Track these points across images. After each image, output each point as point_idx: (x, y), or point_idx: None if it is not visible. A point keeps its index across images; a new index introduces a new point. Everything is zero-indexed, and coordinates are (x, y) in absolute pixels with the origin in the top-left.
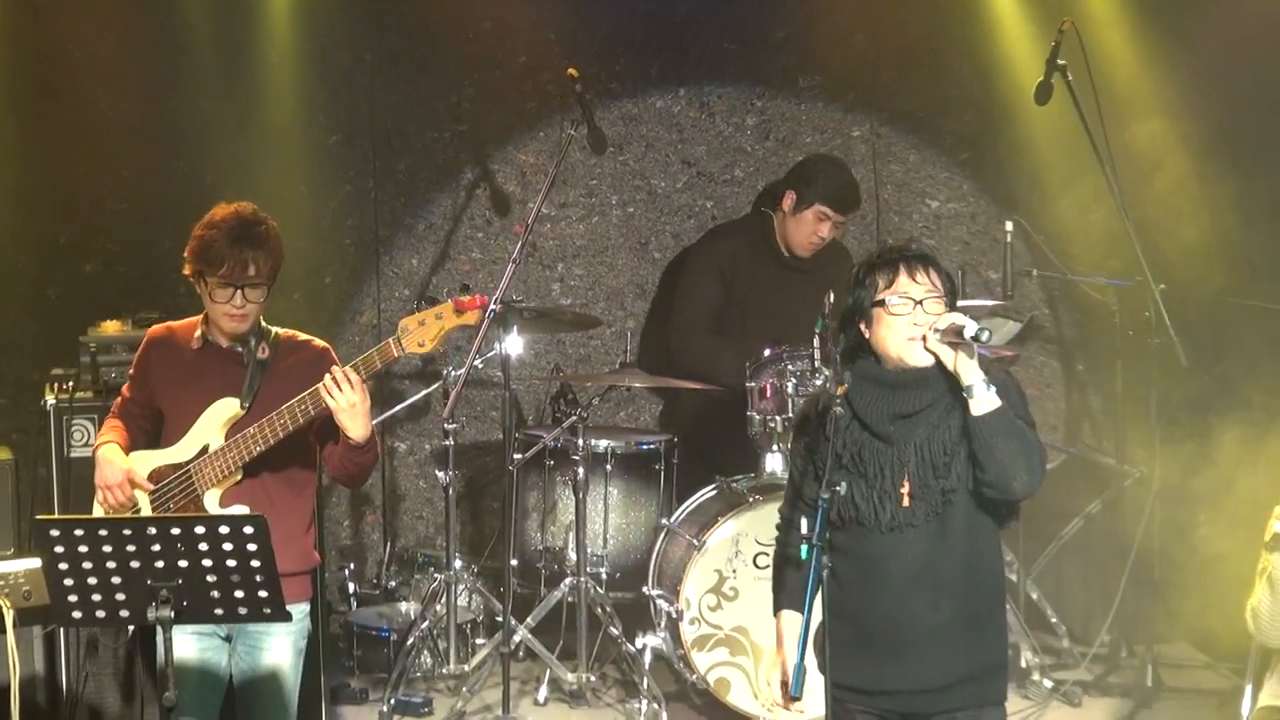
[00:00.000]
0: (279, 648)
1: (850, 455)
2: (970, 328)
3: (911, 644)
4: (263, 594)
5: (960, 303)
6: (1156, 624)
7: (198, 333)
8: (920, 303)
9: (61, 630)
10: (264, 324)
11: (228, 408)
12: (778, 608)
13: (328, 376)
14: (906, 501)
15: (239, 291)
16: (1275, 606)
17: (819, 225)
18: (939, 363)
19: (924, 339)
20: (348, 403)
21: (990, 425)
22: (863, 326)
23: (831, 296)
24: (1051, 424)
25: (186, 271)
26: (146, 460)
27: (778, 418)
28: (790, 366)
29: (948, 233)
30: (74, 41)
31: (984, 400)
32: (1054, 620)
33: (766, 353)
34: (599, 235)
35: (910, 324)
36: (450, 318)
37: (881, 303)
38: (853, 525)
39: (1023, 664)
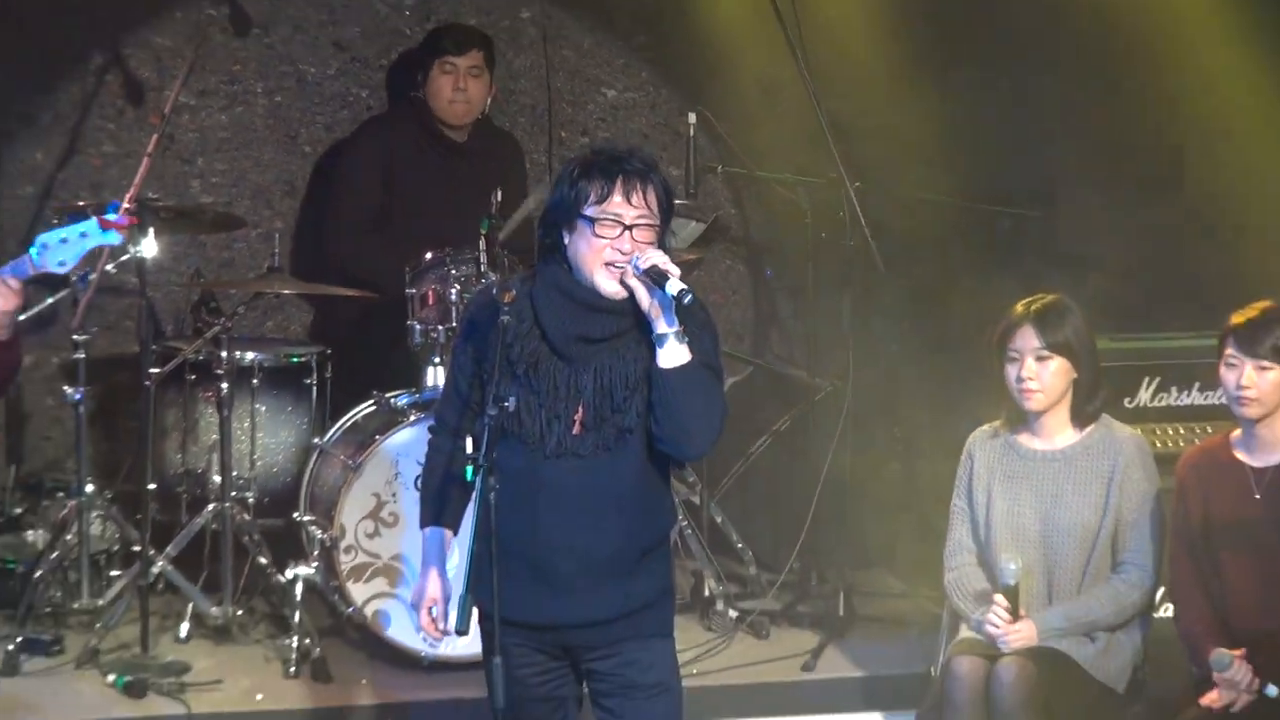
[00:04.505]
0: None
1: (525, 366)
2: (674, 283)
3: (570, 577)
4: None
5: None
6: (848, 549)
7: None
8: (630, 229)
9: None
10: None
11: None
12: (426, 521)
13: None
14: (577, 429)
15: None
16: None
17: (449, 80)
18: (633, 295)
19: (627, 271)
20: (10, 306)
21: (675, 380)
22: (564, 232)
23: (500, 194)
24: (738, 333)
25: None
26: None
27: (440, 327)
28: (454, 271)
29: (625, 125)
30: None
31: (673, 353)
32: (740, 546)
33: (428, 256)
34: (243, 127)
35: (613, 249)
36: (95, 236)
37: (587, 218)
38: (515, 441)
39: (706, 593)
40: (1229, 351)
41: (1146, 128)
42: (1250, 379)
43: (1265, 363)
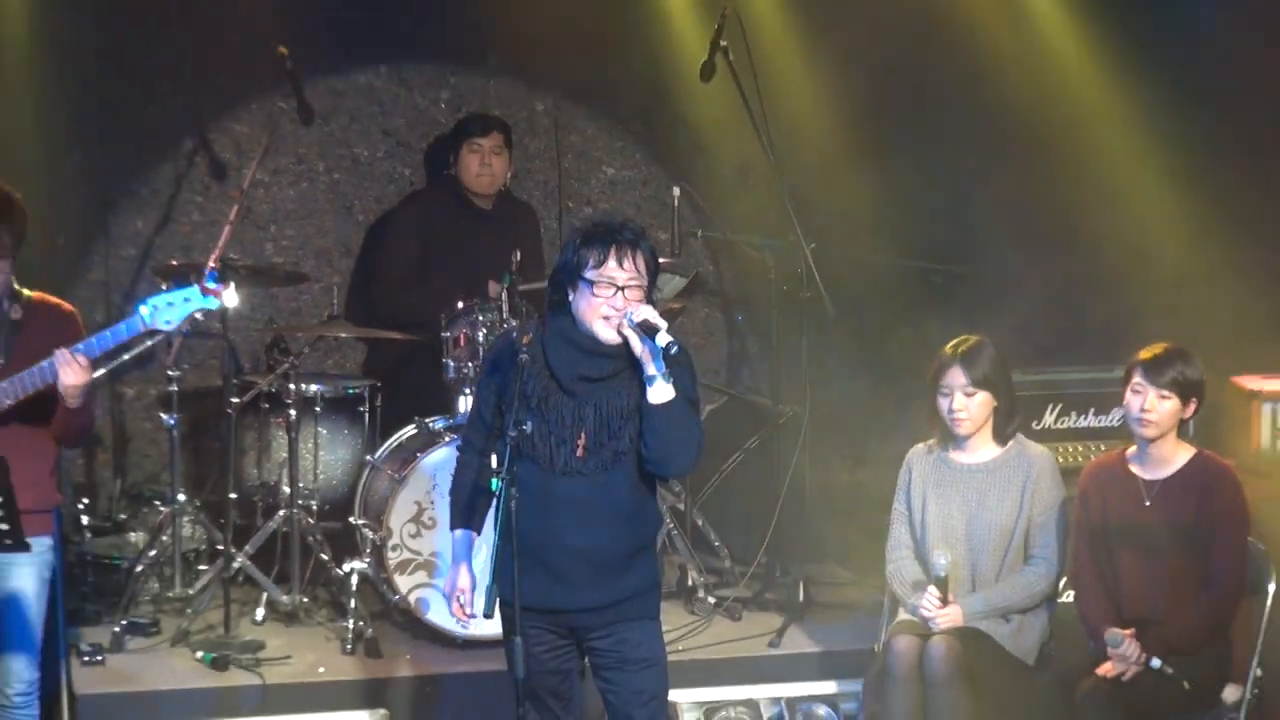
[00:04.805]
0: (24, 576)
1: (537, 400)
2: (662, 335)
3: (574, 571)
4: (2, 527)
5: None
6: (806, 546)
7: None
8: (622, 289)
9: None
10: (16, 287)
11: None
12: (456, 525)
13: (61, 355)
14: (581, 452)
15: None
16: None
17: (476, 157)
18: (627, 342)
19: (622, 323)
20: (79, 380)
21: (661, 413)
22: (569, 290)
23: (518, 255)
24: (714, 369)
25: None
26: None
27: (470, 364)
28: (480, 318)
29: (622, 197)
30: None
31: (660, 391)
32: (717, 544)
33: (460, 305)
34: (308, 199)
35: (609, 306)
36: (196, 300)
37: (588, 280)
38: (529, 461)
39: (689, 583)
40: (1136, 380)
41: (1052, 199)
42: (1152, 404)
43: (1165, 392)
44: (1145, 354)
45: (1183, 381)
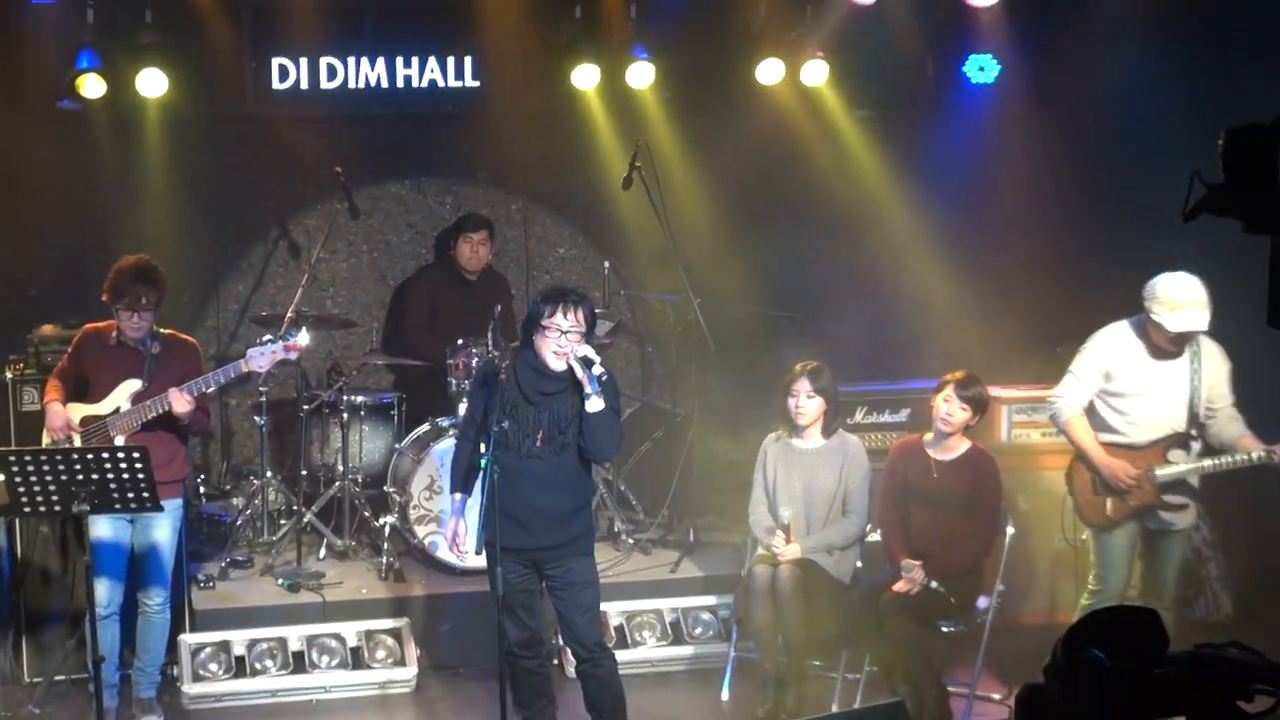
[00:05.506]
0: (163, 528)
1: (510, 406)
2: (597, 367)
3: (534, 522)
4: (145, 495)
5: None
6: (695, 503)
7: (114, 332)
8: (566, 333)
9: (17, 520)
10: (156, 328)
11: (133, 384)
12: (453, 489)
13: (173, 392)
14: (539, 442)
15: (136, 314)
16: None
17: (468, 245)
18: (571, 369)
19: (568, 356)
20: (183, 410)
21: (594, 419)
22: (532, 332)
23: (498, 309)
24: (632, 384)
25: (104, 300)
26: (79, 410)
27: (466, 382)
28: (473, 350)
29: (569, 269)
30: (18, 156)
31: (594, 404)
32: (635, 502)
33: (459, 342)
34: (355, 270)
35: (557, 345)
36: (281, 352)
37: (543, 326)
38: (504, 448)
39: (615, 529)
40: (947, 392)
41: (861, 265)
42: (954, 411)
43: (964, 405)
44: (959, 375)
45: (978, 399)
